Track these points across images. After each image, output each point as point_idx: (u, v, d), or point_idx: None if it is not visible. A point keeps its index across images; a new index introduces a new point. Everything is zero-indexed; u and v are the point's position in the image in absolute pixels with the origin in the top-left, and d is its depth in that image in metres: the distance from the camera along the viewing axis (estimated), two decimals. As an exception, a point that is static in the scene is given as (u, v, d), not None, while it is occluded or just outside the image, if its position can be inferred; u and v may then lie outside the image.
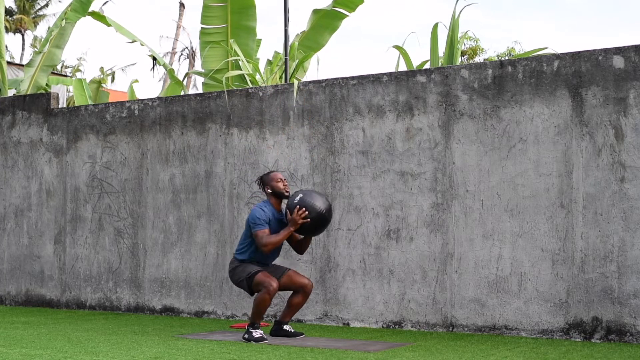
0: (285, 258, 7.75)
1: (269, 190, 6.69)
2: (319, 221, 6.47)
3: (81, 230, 9.11)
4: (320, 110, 7.77)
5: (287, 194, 6.67)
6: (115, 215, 8.90)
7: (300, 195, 6.51)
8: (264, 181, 6.74)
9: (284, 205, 6.77)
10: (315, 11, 11.31)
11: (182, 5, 30.60)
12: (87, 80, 14.33)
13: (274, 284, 6.40)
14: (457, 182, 7.09)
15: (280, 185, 6.68)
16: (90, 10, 12.10)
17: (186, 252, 8.45)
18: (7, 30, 42.92)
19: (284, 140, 7.93)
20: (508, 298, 6.81)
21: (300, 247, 6.78)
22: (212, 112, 8.41)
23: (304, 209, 6.40)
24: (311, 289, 6.69)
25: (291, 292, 6.76)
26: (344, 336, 6.84)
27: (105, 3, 14.52)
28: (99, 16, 12.17)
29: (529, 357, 5.67)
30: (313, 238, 7.60)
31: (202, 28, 11.19)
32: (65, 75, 29.31)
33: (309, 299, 7.12)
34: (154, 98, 8.88)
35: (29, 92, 12.38)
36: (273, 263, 6.80)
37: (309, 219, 6.41)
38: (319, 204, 6.46)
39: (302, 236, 6.73)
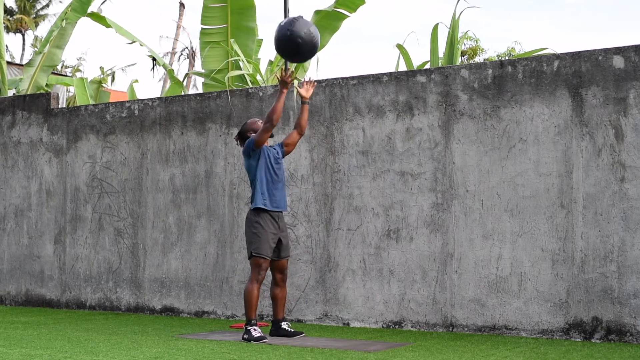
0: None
1: (251, 135, 6.79)
2: (306, 50, 6.46)
3: (81, 230, 9.11)
4: (320, 110, 7.77)
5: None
6: (115, 215, 8.90)
7: (288, 29, 6.39)
8: (245, 130, 6.88)
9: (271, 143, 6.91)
10: (317, 12, 11.32)
11: (182, 5, 30.59)
12: (87, 81, 14.33)
13: (263, 274, 6.55)
14: (457, 182, 7.09)
15: (260, 124, 6.81)
16: (89, 10, 12.10)
17: (186, 252, 8.45)
18: (7, 30, 42.94)
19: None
20: (508, 298, 6.81)
21: (300, 121, 6.83)
22: (212, 112, 8.41)
23: (289, 70, 6.60)
24: (286, 278, 6.85)
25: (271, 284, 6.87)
26: (344, 336, 6.84)
27: (103, 2, 14.50)
28: (98, 17, 12.16)
29: (529, 357, 5.67)
30: (313, 239, 7.61)
31: (202, 28, 11.19)
32: (65, 75, 29.32)
33: (308, 297, 7.12)
34: (154, 98, 8.88)
35: (29, 93, 12.38)
36: (281, 242, 6.76)
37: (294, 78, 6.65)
38: (302, 32, 6.38)
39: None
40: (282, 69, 6.59)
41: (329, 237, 7.64)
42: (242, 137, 6.89)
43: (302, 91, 6.78)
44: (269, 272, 7.04)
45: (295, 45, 6.40)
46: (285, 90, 6.59)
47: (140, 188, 8.78)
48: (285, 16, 10.31)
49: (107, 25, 12.09)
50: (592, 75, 6.60)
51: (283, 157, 6.85)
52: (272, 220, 6.63)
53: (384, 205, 7.40)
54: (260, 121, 6.86)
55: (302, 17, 6.49)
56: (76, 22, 12.21)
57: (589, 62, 6.62)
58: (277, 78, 6.66)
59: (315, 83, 6.58)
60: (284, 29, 6.41)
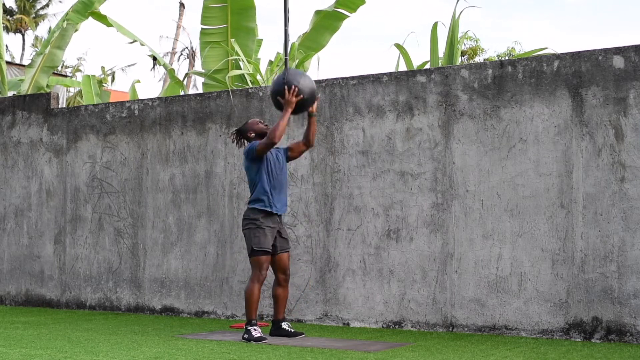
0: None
1: (252, 135, 6.78)
2: (309, 95, 6.57)
3: (81, 230, 9.11)
4: (320, 110, 7.77)
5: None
6: (115, 215, 8.90)
7: (280, 79, 6.56)
8: (244, 130, 6.85)
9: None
10: (317, 12, 11.33)
11: (182, 5, 30.58)
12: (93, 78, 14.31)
13: (264, 273, 6.54)
14: (457, 182, 7.09)
15: (261, 125, 6.81)
16: (90, 12, 12.10)
17: (186, 252, 8.45)
18: (7, 30, 42.94)
19: (284, 140, 7.93)
20: (508, 298, 6.81)
21: (308, 134, 6.82)
22: (212, 112, 8.41)
23: (294, 86, 6.50)
24: (289, 278, 6.80)
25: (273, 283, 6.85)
26: (344, 336, 6.84)
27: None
28: (99, 16, 12.16)
29: (529, 357, 5.67)
30: (313, 239, 7.61)
31: (202, 29, 11.20)
32: (65, 76, 29.32)
33: (307, 297, 7.13)
34: (154, 98, 8.88)
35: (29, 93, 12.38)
36: (283, 230, 6.78)
37: (302, 95, 6.51)
38: (303, 79, 6.54)
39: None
40: (287, 91, 6.54)
41: (329, 237, 7.64)
42: (242, 134, 6.88)
43: (287, 104, 6.65)
44: (270, 273, 7.04)
45: (316, 93, 6.66)
46: (290, 109, 6.53)
47: (140, 188, 8.78)
48: (285, 16, 10.31)
49: (108, 24, 12.09)
50: (592, 75, 6.60)
51: (287, 162, 6.84)
52: (270, 216, 6.64)
53: (384, 205, 7.40)
54: (262, 122, 6.85)
55: (292, 72, 6.63)
56: (78, 24, 12.20)
57: (589, 62, 6.62)
58: (283, 100, 6.52)
59: (297, 89, 6.52)
60: (315, 88, 6.63)
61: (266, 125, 6.84)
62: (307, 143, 6.85)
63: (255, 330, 6.47)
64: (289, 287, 7.23)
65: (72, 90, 27.85)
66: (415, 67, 10.95)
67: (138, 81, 14.19)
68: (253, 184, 6.69)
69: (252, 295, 6.49)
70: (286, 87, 6.50)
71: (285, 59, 10.17)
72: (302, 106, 6.63)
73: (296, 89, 6.50)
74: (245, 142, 6.92)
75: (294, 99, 6.51)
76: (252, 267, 6.59)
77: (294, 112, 6.62)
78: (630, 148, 6.43)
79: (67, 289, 9.19)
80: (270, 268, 6.73)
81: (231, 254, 8.17)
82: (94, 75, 13.86)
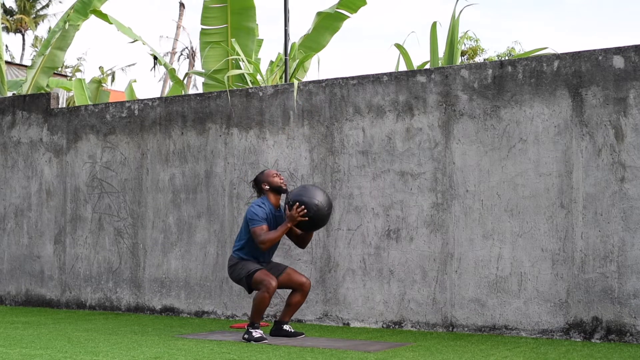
0: (285, 258, 7.75)
1: (266, 187, 6.67)
2: (318, 218, 6.44)
3: (81, 230, 9.11)
4: (320, 110, 7.77)
5: (285, 187, 6.66)
6: (115, 215, 8.90)
7: (299, 190, 6.48)
8: (260, 180, 6.72)
9: (282, 202, 6.76)
10: (319, 14, 11.35)
11: (182, 5, 30.58)
12: (87, 80, 14.34)
13: (273, 282, 6.40)
14: (457, 182, 7.09)
15: (277, 179, 6.68)
16: (92, 9, 12.09)
17: (186, 252, 8.45)
18: (7, 30, 42.93)
19: (284, 140, 7.93)
20: (508, 298, 6.81)
21: (301, 242, 6.75)
22: (212, 112, 8.41)
23: (302, 206, 6.37)
24: (309, 287, 6.69)
25: (290, 290, 6.76)
26: (344, 336, 6.84)
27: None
28: (100, 14, 12.16)
29: (529, 357, 5.67)
30: (313, 239, 7.60)
31: (202, 29, 11.20)
32: (65, 76, 29.31)
33: (308, 297, 7.13)
34: (154, 98, 8.88)
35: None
36: (272, 260, 6.81)
37: (307, 217, 6.39)
38: (318, 200, 6.41)
39: (300, 231, 6.71)
40: (295, 207, 6.45)
41: (329, 237, 7.64)
42: (256, 183, 6.77)
43: (290, 219, 6.47)
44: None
45: (327, 218, 6.53)
46: (290, 225, 6.42)
47: (140, 188, 8.78)
48: (286, 16, 10.31)
49: (110, 22, 12.08)
50: (592, 75, 6.60)
51: None
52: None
53: (384, 205, 7.40)
54: (279, 175, 6.71)
55: (310, 187, 6.54)
56: (79, 24, 12.20)
57: (589, 62, 6.62)
58: (288, 213, 6.41)
59: (305, 209, 6.33)
60: (328, 213, 6.49)
61: (282, 179, 6.70)
62: (299, 247, 6.82)
63: (256, 331, 6.47)
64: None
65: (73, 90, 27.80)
66: (415, 67, 10.95)
67: (135, 81, 14.21)
68: (245, 238, 6.63)
69: (261, 303, 6.43)
70: (297, 203, 6.36)
71: (286, 59, 10.20)
72: (306, 226, 6.50)
73: (304, 209, 6.35)
74: (263, 185, 6.71)
75: (299, 218, 6.38)
76: (257, 286, 6.51)
77: (298, 227, 6.52)
78: (630, 148, 6.43)
79: (67, 289, 9.19)
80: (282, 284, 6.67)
81: (231, 254, 8.16)
82: (84, 79, 13.88)
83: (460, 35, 11.53)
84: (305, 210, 6.35)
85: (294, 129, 7.91)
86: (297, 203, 6.36)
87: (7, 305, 9.62)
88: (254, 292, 6.70)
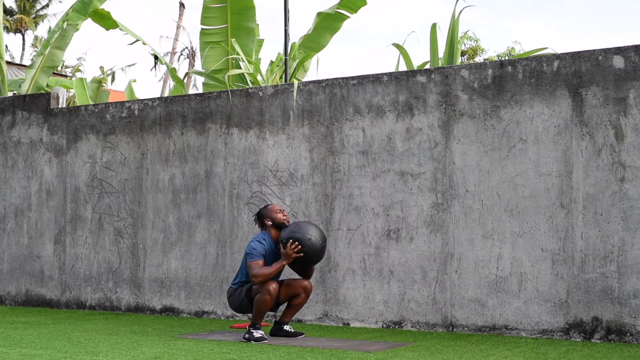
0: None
1: (269, 223, 6.64)
2: (313, 253, 6.45)
3: (81, 230, 9.11)
4: (320, 110, 7.77)
5: (288, 224, 6.63)
6: (115, 215, 8.90)
7: (292, 227, 6.48)
8: (263, 215, 6.70)
9: None
10: (319, 14, 11.36)
11: (182, 5, 30.58)
12: (87, 80, 14.33)
13: (274, 284, 6.43)
14: (457, 182, 7.09)
15: (280, 215, 6.65)
16: (92, 10, 12.08)
17: (186, 252, 8.45)
18: (7, 30, 42.93)
19: (284, 140, 7.93)
20: (508, 298, 6.81)
21: (304, 274, 6.75)
22: (212, 112, 8.41)
23: (297, 243, 6.37)
24: (311, 288, 6.71)
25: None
26: (344, 336, 6.84)
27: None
28: (99, 17, 12.14)
29: (529, 357, 5.67)
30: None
31: (202, 29, 11.20)
32: (65, 76, 29.31)
33: (309, 299, 7.10)
34: (154, 98, 8.88)
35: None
36: None
37: (301, 253, 6.39)
38: (311, 234, 6.43)
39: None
40: (289, 245, 6.45)
41: (329, 237, 7.64)
42: (259, 218, 6.75)
43: (285, 256, 6.47)
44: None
45: (321, 253, 6.55)
46: (285, 263, 6.43)
47: (140, 188, 8.78)
48: (286, 16, 10.32)
49: (108, 26, 12.07)
50: (592, 75, 6.60)
51: None
52: None
53: (384, 205, 7.40)
54: (282, 211, 6.67)
55: (304, 224, 6.55)
56: (79, 24, 12.19)
57: (589, 62, 6.62)
58: (282, 251, 6.41)
59: (300, 246, 6.34)
60: (322, 248, 6.51)
61: (286, 215, 6.67)
62: (304, 277, 6.77)
63: (256, 330, 6.47)
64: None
65: (73, 90, 27.83)
66: (415, 67, 10.95)
67: (134, 81, 14.21)
68: (244, 275, 6.64)
69: (263, 305, 6.44)
70: (291, 240, 6.37)
71: (286, 59, 10.20)
72: (302, 261, 6.51)
73: (298, 246, 6.36)
74: (266, 220, 6.69)
75: (294, 255, 6.39)
76: (257, 291, 6.51)
77: (294, 263, 6.53)
78: (630, 148, 6.43)
79: (67, 289, 9.19)
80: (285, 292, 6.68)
81: (231, 254, 8.17)
82: (85, 79, 13.88)
83: (460, 36, 11.54)
84: (300, 247, 6.37)
85: (294, 129, 7.90)
86: (291, 240, 6.37)
87: (7, 305, 9.62)
88: (256, 296, 6.68)
